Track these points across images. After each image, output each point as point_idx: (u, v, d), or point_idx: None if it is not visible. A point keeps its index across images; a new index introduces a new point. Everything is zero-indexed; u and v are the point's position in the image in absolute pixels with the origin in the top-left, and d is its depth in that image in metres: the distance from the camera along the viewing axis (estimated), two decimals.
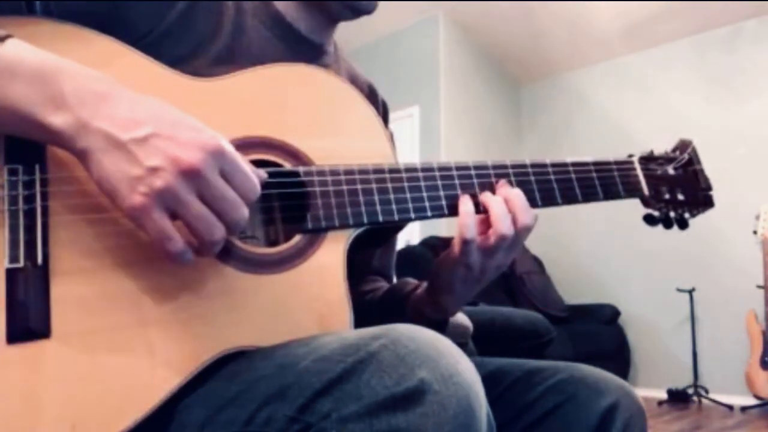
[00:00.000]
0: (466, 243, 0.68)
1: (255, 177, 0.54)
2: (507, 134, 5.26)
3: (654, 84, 4.62)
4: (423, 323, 0.74)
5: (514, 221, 0.69)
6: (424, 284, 0.80)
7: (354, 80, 0.87)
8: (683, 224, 0.86)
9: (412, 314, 0.80)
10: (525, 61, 5.08)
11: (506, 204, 0.70)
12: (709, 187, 0.86)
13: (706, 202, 0.86)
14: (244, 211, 0.53)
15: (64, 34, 0.57)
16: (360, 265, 0.88)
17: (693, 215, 0.86)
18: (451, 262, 0.72)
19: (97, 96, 0.50)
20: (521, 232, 0.70)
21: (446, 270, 0.73)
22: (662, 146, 0.90)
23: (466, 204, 0.70)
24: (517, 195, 0.71)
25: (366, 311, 0.81)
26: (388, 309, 0.83)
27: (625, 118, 4.70)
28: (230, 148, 0.53)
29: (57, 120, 0.49)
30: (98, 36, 0.59)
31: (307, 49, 0.79)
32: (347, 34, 0.87)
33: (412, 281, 0.85)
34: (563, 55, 4.92)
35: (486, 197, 0.71)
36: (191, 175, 0.50)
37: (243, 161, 0.54)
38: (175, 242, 0.51)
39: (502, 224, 0.68)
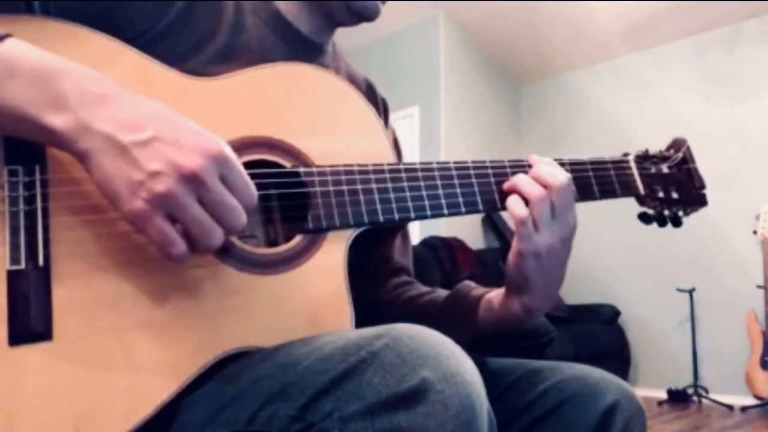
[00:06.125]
0: (522, 224, 0.69)
1: (252, 184, 0.54)
2: (507, 134, 5.26)
3: (654, 84, 4.62)
4: (495, 326, 0.77)
5: (539, 180, 0.71)
6: (494, 291, 0.78)
7: (352, 79, 0.86)
8: (677, 222, 0.86)
9: (489, 322, 0.77)
10: (525, 61, 5.08)
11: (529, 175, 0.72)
12: (702, 186, 0.87)
13: (700, 201, 0.87)
14: (243, 217, 0.53)
15: (62, 33, 0.57)
16: (381, 262, 0.88)
17: (687, 213, 0.87)
18: (518, 259, 0.70)
19: (99, 97, 0.50)
20: (556, 189, 0.70)
21: (516, 269, 0.71)
22: (662, 146, 0.90)
23: (510, 196, 0.71)
24: (536, 163, 0.73)
25: (423, 318, 0.77)
26: (454, 316, 0.79)
27: (625, 118, 4.70)
28: (231, 154, 0.53)
29: (57, 121, 0.49)
30: (97, 35, 0.59)
31: (307, 49, 0.79)
32: (347, 34, 0.87)
33: (471, 284, 0.83)
34: (563, 55, 4.92)
35: (507, 184, 0.72)
36: (192, 181, 0.50)
37: (242, 167, 0.54)
38: (177, 246, 0.51)
39: (528, 187, 0.70)
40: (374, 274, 0.88)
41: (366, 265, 0.80)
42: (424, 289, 0.88)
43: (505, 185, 0.72)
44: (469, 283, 0.83)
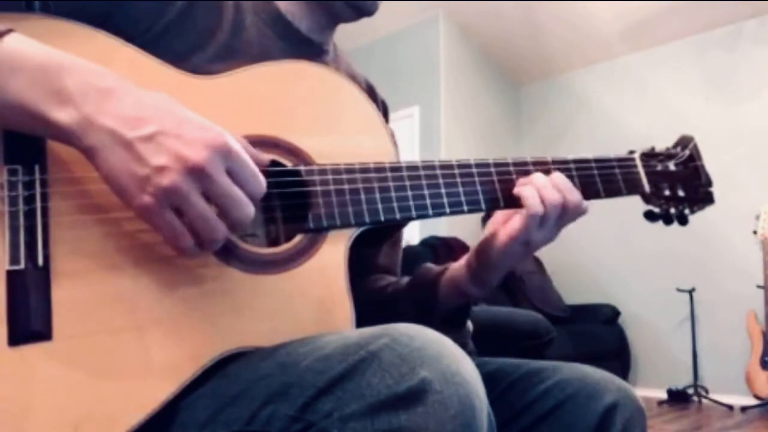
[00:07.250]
0: (533, 218, 0.71)
1: (261, 175, 0.54)
2: (507, 134, 5.25)
3: (654, 84, 4.61)
4: (458, 300, 0.80)
5: (559, 190, 0.73)
6: (453, 265, 0.82)
7: (352, 79, 0.86)
8: (683, 220, 0.86)
9: (446, 293, 0.81)
10: (525, 61, 5.08)
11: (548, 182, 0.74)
12: (709, 183, 0.86)
13: (707, 199, 0.86)
14: (250, 210, 0.53)
15: (63, 32, 0.57)
16: (365, 262, 0.88)
17: (693, 211, 0.86)
18: (506, 240, 0.73)
19: (102, 92, 0.50)
20: (572, 204, 0.73)
21: (498, 248, 0.75)
22: (661, 147, 0.90)
23: (524, 185, 0.73)
24: (555, 173, 0.75)
25: (391, 302, 0.83)
26: (417, 295, 0.83)
27: (625, 118, 4.70)
28: (236, 146, 0.53)
29: (61, 116, 0.49)
30: (97, 33, 0.59)
31: (307, 48, 0.79)
32: (347, 34, 0.87)
33: (434, 267, 0.86)
34: (563, 55, 4.92)
35: (524, 179, 0.74)
36: (197, 174, 0.50)
37: (249, 158, 0.54)
38: (185, 239, 0.52)
39: (547, 191, 0.72)
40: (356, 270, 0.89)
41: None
42: (391, 280, 0.90)
43: (522, 180, 0.74)
44: (429, 266, 0.86)
